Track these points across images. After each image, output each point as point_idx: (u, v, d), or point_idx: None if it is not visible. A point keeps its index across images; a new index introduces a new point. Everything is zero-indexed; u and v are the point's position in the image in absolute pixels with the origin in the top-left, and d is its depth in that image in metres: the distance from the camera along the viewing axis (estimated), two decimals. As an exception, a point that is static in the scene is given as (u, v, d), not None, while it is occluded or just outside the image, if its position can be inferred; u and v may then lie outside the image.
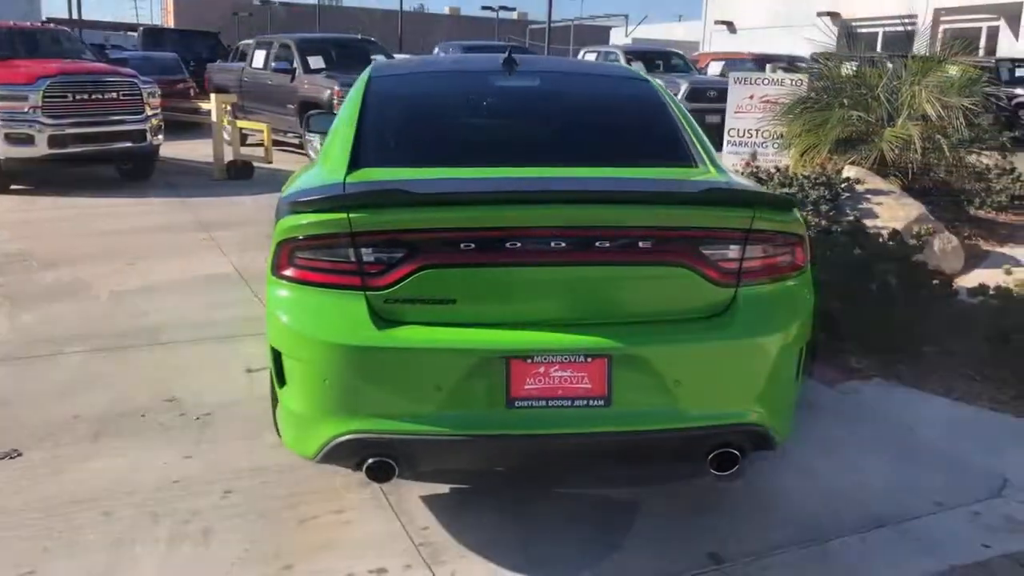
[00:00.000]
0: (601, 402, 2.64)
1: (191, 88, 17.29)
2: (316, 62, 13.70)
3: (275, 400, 3.14)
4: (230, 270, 6.38)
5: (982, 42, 35.40)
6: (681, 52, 17.78)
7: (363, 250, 2.64)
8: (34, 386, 4.17)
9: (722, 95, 9.24)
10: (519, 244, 2.63)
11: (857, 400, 4.11)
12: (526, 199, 2.67)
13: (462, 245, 2.62)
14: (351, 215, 2.61)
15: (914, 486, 3.33)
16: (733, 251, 2.74)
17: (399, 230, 2.64)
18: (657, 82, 3.99)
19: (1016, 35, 34.82)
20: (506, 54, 3.93)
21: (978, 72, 7.10)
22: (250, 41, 16.31)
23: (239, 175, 11.10)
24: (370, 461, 2.67)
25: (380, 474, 2.69)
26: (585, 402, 2.64)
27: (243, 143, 11.27)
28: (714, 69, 18.29)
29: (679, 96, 14.82)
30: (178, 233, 7.73)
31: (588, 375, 2.64)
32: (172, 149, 12.40)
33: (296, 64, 13.62)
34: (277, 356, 2.84)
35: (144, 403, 3.96)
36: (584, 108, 3.87)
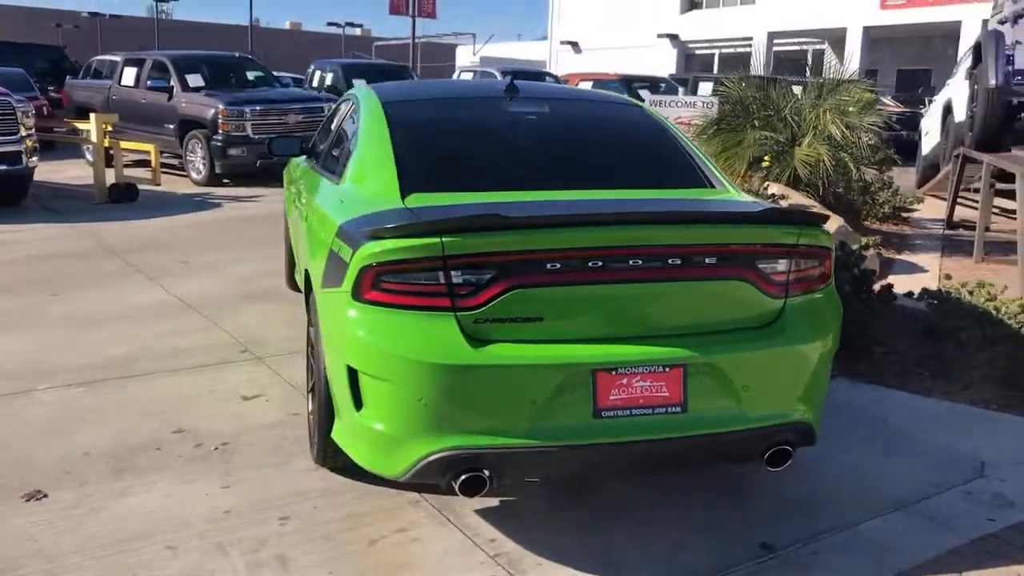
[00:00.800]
0: (678, 408, 2.84)
1: (44, 106, 16.37)
2: (195, 80, 13.40)
3: (328, 421, 3.19)
4: (167, 296, 6.19)
5: (809, 64, 37.93)
6: (554, 73, 18.30)
7: (453, 273, 2.74)
8: (22, 426, 3.97)
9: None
10: (600, 263, 2.80)
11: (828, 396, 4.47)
12: (606, 221, 2.84)
13: (548, 265, 2.77)
14: (444, 239, 2.70)
15: (908, 471, 3.69)
16: (783, 265, 3.01)
17: (489, 253, 2.75)
18: (649, 107, 4.25)
19: (840, 58, 37.45)
20: (508, 81, 4.10)
21: (873, 96, 7.80)
22: (109, 57, 15.70)
23: (122, 197, 10.66)
24: (464, 477, 2.76)
25: (471, 489, 2.78)
26: (664, 409, 2.83)
27: (107, 163, 10.79)
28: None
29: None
30: (89, 260, 7.40)
31: (666, 384, 2.83)
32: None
33: (174, 82, 13.24)
34: (354, 378, 2.88)
35: (152, 436, 3.85)
36: (601, 133, 4.08)
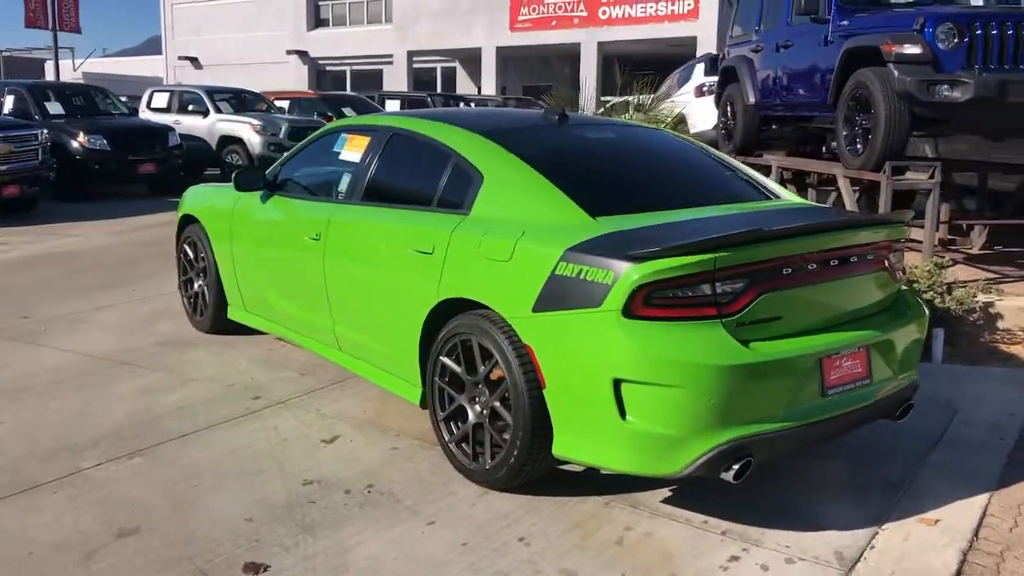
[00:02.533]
0: (867, 381, 3.46)
1: None
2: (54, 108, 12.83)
3: (536, 441, 3.35)
4: (71, 354, 5.46)
5: (438, 80, 40.37)
6: (255, 91, 17.81)
7: (718, 284, 3.11)
8: (127, 507, 3.50)
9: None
10: (815, 265, 3.33)
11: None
12: (822, 229, 3.40)
13: (784, 271, 3.24)
14: (717, 255, 3.06)
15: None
16: (895, 257, 3.76)
17: (746, 264, 3.15)
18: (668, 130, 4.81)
19: (476, 76, 40.34)
20: (560, 111, 4.43)
21: (679, 114, 8.93)
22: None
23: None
24: (737, 465, 3.13)
25: (741, 473, 3.15)
26: (859, 383, 3.43)
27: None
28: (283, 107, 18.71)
29: (281, 135, 15.08)
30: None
31: (860, 361, 3.44)
32: None
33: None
34: (617, 390, 3.11)
35: (289, 492, 3.63)
36: (679, 153, 4.52)
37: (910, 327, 3.72)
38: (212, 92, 16.58)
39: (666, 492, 3.66)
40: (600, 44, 34.98)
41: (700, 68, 11.96)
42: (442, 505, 3.54)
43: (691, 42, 32.74)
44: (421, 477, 3.79)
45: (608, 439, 3.22)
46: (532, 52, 38.18)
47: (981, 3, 8.08)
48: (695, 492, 3.61)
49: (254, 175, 5.18)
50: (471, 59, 39.67)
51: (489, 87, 37.21)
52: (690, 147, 4.67)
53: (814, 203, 4.64)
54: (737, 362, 3.07)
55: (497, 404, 3.57)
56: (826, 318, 3.41)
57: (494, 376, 3.62)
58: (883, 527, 3.42)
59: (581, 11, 35.23)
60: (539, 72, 40.37)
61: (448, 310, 3.78)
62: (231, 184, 5.74)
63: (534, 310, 3.34)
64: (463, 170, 3.96)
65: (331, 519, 3.41)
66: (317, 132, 5.18)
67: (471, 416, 3.72)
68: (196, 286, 5.93)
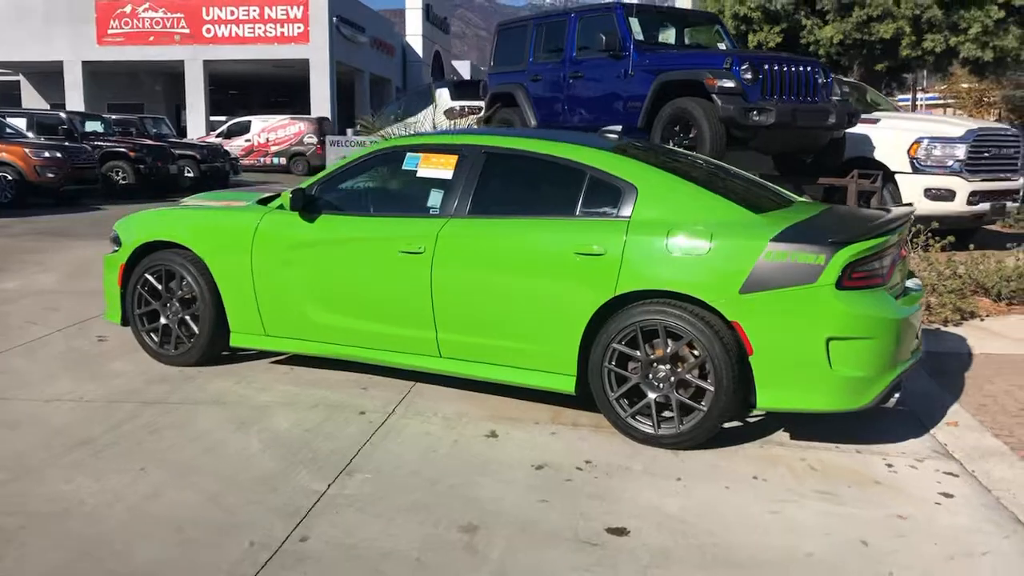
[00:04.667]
0: (920, 332, 4.78)
1: None
2: None
3: (737, 398, 4.19)
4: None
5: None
6: None
7: (881, 260, 4.20)
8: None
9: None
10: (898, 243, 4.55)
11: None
12: (905, 221, 4.60)
13: (883, 252, 4.37)
14: (882, 239, 4.17)
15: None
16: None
17: (891, 245, 4.28)
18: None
19: (43, 90, 36.97)
20: (620, 129, 5.17)
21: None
22: None
23: None
24: (897, 393, 4.25)
25: (892, 401, 4.27)
26: (919, 333, 4.73)
27: None
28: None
29: None
30: None
31: (921, 316, 4.74)
32: None
33: None
34: (827, 346, 4.05)
35: (537, 476, 3.97)
36: (718, 165, 5.42)
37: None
38: None
39: (785, 437, 4.63)
40: (206, 63, 33.92)
41: (443, 92, 12.87)
42: (665, 465, 4.15)
43: (303, 64, 33.27)
44: (614, 450, 4.33)
45: (815, 387, 4.12)
46: (127, 68, 35.79)
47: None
48: (812, 432, 4.65)
49: (302, 195, 5.11)
50: (45, 73, 36.13)
51: (76, 103, 34.04)
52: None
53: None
54: (903, 316, 4.19)
55: (689, 376, 4.27)
56: (899, 286, 4.65)
57: (659, 353, 4.32)
58: (933, 432, 4.75)
59: (183, 28, 33.86)
60: (128, 89, 37.91)
61: (616, 304, 4.37)
62: (223, 205, 5.55)
63: (741, 292, 4.12)
64: (607, 183, 4.54)
65: (605, 488, 3.87)
66: (362, 153, 5.25)
67: (650, 393, 4.36)
68: (169, 318, 5.54)
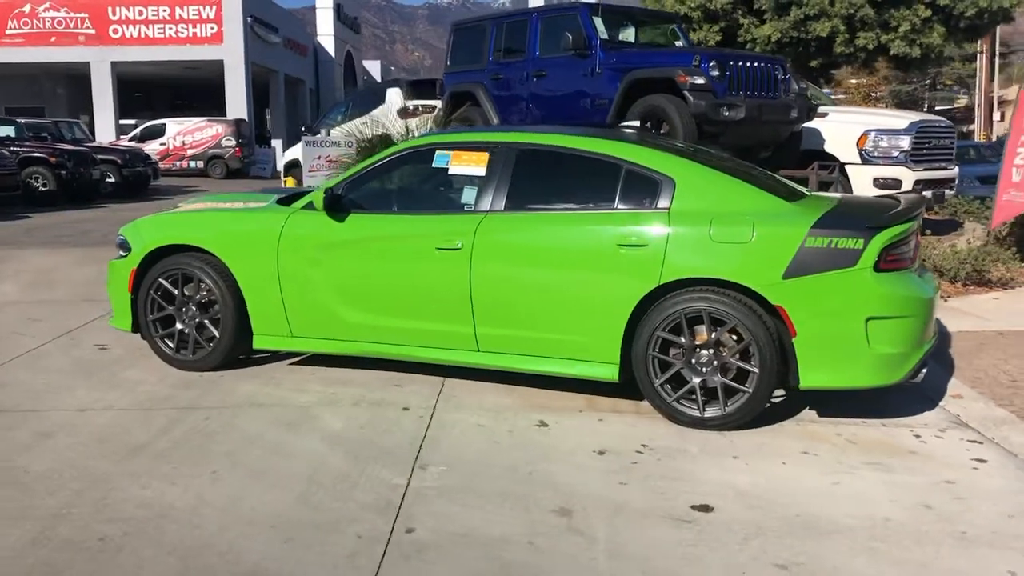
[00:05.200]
0: (929, 306, 5.10)
1: None
2: None
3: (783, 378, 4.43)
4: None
5: None
6: None
7: (909, 244, 4.48)
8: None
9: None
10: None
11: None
12: (920, 210, 4.89)
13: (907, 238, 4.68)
14: (911, 224, 4.45)
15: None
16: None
17: (915, 230, 4.56)
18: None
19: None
20: (638, 125, 5.32)
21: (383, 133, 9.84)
22: None
23: None
24: (923, 369, 4.54)
25: (920, 374, 4.56)
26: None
27: None
28: None
29: None
30: None
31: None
32: None
33: None
34: (867, 325, 4.31)
35: (612, 458, 4.10)
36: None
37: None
38: None
39: (814, 415, 4.88)
40: (114, 64, 32.77)
41: (394, 92, 12.83)
42: (718, 445, 4.34)
43: (212, 66, 32.47)
44: (664, 434, 4.49)
45: (856, 364, 4.37)
46: (26, 70, 34.31)
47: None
48: (836, 409, 4.91)
49: (331, 195, 5.11)
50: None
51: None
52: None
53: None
54: (931, 295, 4.49)
55: (733, 360, 4.47)
56: (919, 269, 4.95)
57: (701, 339, 4.52)
58: (942, 405, 5.07)
59: (88, 28, 32.68)
60: (27, 92, 36.35)
61: (658, 293, 4.54)
62: (241, 207, 5.52)
63: (784, 277, 4.34)
64: (644, 176, 4.70)
65: (672, 469, 4.04)
66: (387, 153, 5.27)
67: (694, 377, 4.54)
68: (185, 322, 5.46)
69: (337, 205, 5.14)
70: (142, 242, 5.54)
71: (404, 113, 12.32)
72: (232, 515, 3.53)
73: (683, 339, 4.54)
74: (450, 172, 5.10)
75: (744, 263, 4.44)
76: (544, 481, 3.88)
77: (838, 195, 5.63)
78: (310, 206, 5.22)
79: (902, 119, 10.23)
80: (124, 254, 5.64)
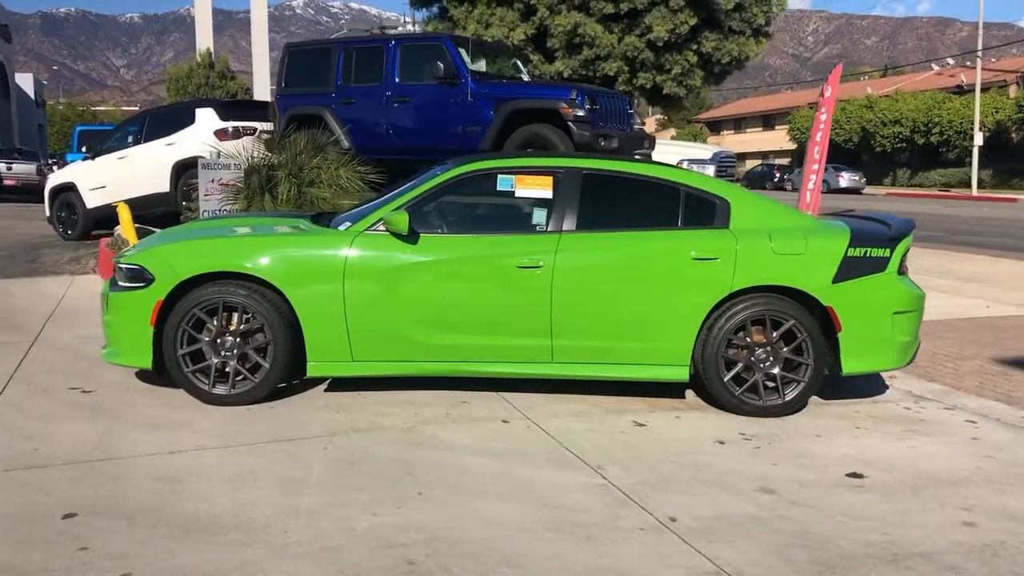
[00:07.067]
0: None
1: None
2: None
3: (821, 373, 5.33)
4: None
5: None
6: None
7: (907, 253, 5.57)
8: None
9: None
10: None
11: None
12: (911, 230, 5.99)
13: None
14: (911, 239, 5.53)
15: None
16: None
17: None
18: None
19: None
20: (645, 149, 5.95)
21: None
22: None
23: None
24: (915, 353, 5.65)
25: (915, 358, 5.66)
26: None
27: None
28: None
29: None
30: None
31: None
32: None
33: None
34: (892, 319, 5.31)
35: (727, 439, 4.66)
36: None
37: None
38: None
39: (820, 400, 5.79)
40: None
41: (207, 112, 12.13)
42: (795, 428, 5.07)
43: None
44: (742, 423, 5.15)
45: (884, 351, 5.35)
46: None
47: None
48: (825, 393, 5.87)
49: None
50: None
51: None
52: None
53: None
54: (923, 294, 5.58)
55: (791, 355, 5.24)
56: None
57: (759, 338, 5.27)
58: (889, 384, 6.24)
59: None
60: None
61: (726, 300, 5.20)
62: (289, 231, 5.41)
63: (834, 282, 5.20)
64: (702, 198, 5.35)
65: (790, 449, 4.73)
66: (446, 176, 5.37)
67: (755, 373, 5.25)
68: (222, 355, 5.16)
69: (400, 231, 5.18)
70: (172, 272, 5.13)
71: (223, 135, 11.74)
72: (493, 541, 3.54)
73: (746, 339, 5.23)
74: (516, 195, 5.36)
75: (802, 271, 5.24)
76: (714, 468, 4.37)
77: (838, 214, 6.74)
78: (375, 227, 5.21)
79: (707, 150, 11.83)
80: (140, 285, 5.17)
